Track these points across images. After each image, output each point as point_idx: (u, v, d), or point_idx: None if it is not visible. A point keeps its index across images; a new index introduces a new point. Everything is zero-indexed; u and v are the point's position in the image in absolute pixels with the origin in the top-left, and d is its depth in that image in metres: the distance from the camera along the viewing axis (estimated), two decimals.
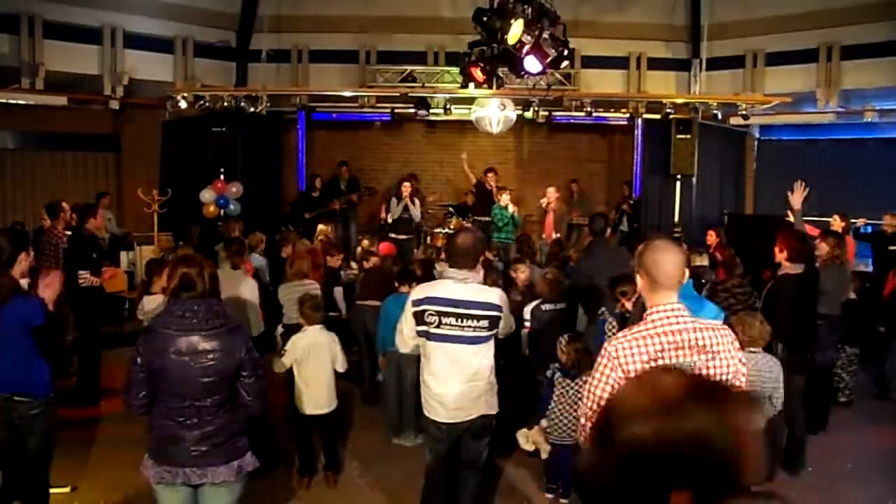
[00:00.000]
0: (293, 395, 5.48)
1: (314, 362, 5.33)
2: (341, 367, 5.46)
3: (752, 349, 4.75)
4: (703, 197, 12.56)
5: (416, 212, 11.83)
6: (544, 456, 5.43)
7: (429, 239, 11.88)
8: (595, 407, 2.70)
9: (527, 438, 5.47)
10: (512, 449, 5.64)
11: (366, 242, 9.50)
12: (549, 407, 5.23)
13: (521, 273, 6.73)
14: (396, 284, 6.42)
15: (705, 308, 4.32)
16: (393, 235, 11.31)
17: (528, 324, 5.94)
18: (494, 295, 4.08)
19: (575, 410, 5.14)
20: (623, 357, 2.63)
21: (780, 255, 5.64)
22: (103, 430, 6.38)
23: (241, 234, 8.55)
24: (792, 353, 5.34)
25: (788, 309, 5.44)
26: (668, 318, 2.68)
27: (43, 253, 7.47)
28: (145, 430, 3.49)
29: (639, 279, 2.79)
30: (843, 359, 7.18)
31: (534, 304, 6.02)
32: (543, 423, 5.30)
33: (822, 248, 6.48)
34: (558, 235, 11.02)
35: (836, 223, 8.16)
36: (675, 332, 2.65)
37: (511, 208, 11.23)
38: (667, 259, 2.74)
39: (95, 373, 7.12)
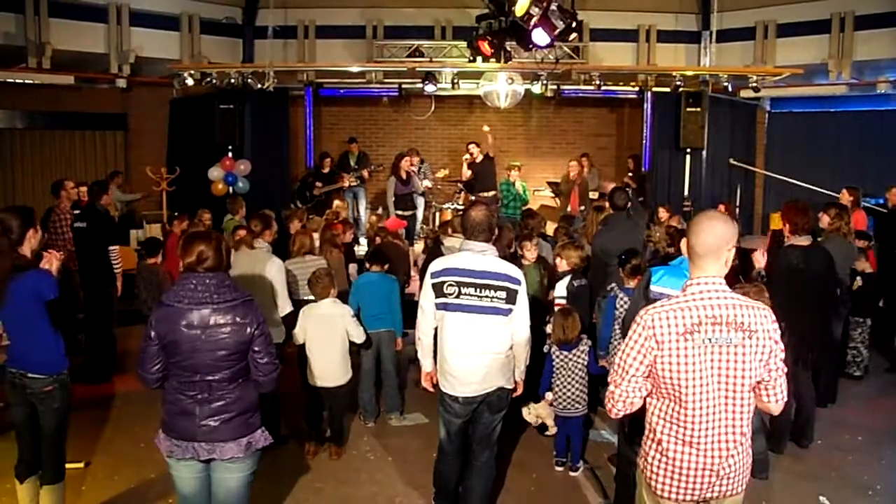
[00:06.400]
0: (306, 366, 5.53)
1: (323, 335, 5.37)
2: (358, 338, 5.51)
3: None
4: (713, 170, 12.48)
5: (418, 184, 11.76)
6: (551, 430, 5.47)
7: (438, 214, 11.86)
8: (625, 375, 2.72)
9: (528, 411, 5.52)
10: (522, 424, 5.67)
11: (374, 219, 9.49)
12: (552, 381, 5.27)
13: (529, 251, 6.43)
14: (367, 265, 6.29)
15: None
16: (399, 212, 11.28)
17: (562, 301, 5.75)
18: (513, 269, 4.09)
19: (576, 381, 5.17)
20: (659, 327, 2.65)
21: (786, 229, 5.65)
22: (116, 406, 6.45)
23: (244, 212, 8.63)
24: (794, 324, 5.26)
25: (786, 280, 5.37)
26: (707, 291, 2.68)
27: (53, 232, 7.52)
28: (158, 406, 3.52)
29: (683, 248, 2.83)
30: (863, 332, 7.15)
31: (566, 280, 5.86)
32: (549, 396, 5.33)
33: (824, 220, 6.46)
34: (583, 208, 10.92)
35: (845, 197, 8.09)
36: (714, 306, 2.65)
37: (518, 184, 11.17)
38: (703, 228, 2.71)
39: (110, 350, 7.20)
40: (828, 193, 8.11)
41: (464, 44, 10.44)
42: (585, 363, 5.21)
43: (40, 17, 10.85)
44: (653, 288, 4.11)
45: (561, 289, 5.87)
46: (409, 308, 5.64)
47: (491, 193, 11.34)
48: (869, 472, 5.35)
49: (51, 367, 4.10)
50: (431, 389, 4.32)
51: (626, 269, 5.48)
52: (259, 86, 11.72)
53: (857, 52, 11.75)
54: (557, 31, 7.55)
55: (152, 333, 3.33)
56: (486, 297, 3.97)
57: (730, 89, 12.05)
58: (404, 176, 11.46)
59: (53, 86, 11.50)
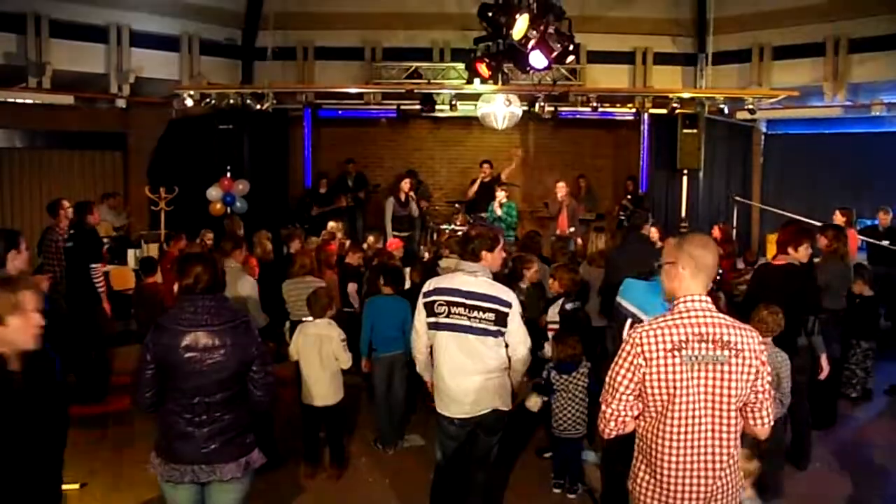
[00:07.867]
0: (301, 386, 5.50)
1: (314, 354, 5.34)
2: (345, 363, 5.43)
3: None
4: (709, 192, 12.54)
5: (414, 206, 11.76)
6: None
7: (435, 235, 11.87)
8: (615, 394, 2.73)
9: (530, 398, 5.40)
10: (519, 446, 5.65)
11: (371, 239, 9.50)
12: (552, 404, 5.24)
13: (530, 269, 6.41)
14: (381, 283, 6.14)
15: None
16: (395, 233, 11.29)
17: (555, 326, 5.70)
18: (504, 291, 4.09)
19: (575, 404, 5.15)
20: (647, 344, 2.68)
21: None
22: (112, 426, 6.41)
23: (243, 232, 8.62)
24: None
25: (758, 298, 5.32)
26: (695, 310, 2.73)
27: (47, 252, 7.50)
28: (153, 426, 3.50)
29: (676, 269, 2.80)
30: (857, 354, 7.14)
31: (558, 304, 5.82)
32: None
33: (822, 241, 6.46)
34: (573, 230, 10.91)
35: (838, 218, 8.11)
36: (701, 324, 2.69)
37: (497, 208, 11.01)
38: (710, 253, 2.80)
39: (104, 370, 7.15)
40: (819, 224, 8.16)
41: (462, 66, 10.51)
42: (585, 385, 5.19)
43: (41, 37, 10.91)
44: (617, 298, 4.19)
45: (553, 313, 5.84)
46: None
47: (486, 214, 11.35)
48: (867, 494, 5.33)
49: None
50: None
51: None
52: (258, 107, 11.78)
53: (852, 74, 11.88)
54: (555, 53, 7.60)
55: (148, 356, 3.31)
56: (476, 317, 3.98)
57: (726, 111, 12.15)
58: (403, 198, 11.49)
59: (53, 105, 11.51)
